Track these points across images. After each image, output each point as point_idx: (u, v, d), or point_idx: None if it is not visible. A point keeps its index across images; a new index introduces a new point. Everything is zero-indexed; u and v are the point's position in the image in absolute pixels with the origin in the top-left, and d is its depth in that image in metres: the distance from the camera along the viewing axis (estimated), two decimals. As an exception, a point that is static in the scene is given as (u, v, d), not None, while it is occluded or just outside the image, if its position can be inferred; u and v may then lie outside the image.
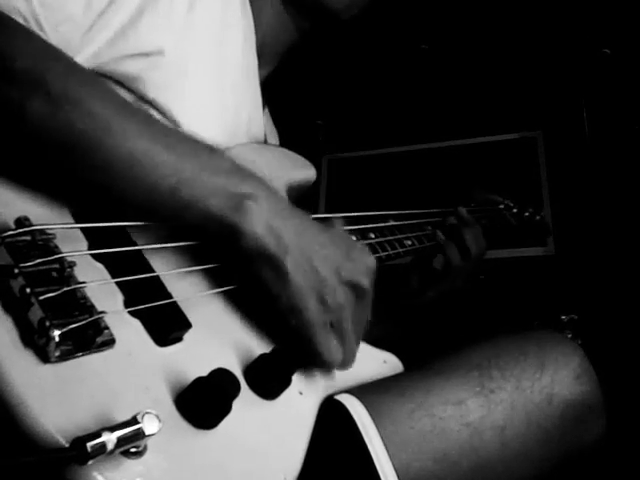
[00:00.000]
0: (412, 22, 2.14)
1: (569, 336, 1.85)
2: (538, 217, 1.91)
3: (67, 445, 0.58)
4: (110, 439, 0.56)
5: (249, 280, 0.85)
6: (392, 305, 1.49)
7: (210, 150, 0.85)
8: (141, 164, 0.78)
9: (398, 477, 0.84)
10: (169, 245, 0.86)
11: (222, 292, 0.89)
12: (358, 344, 0.93)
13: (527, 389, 0.93)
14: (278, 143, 1.41)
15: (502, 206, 1.77)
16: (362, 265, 0.90)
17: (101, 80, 0.83)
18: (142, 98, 0.94)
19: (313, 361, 0.89)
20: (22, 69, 0.75)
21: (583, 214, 1.97)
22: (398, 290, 1.50)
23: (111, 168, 0.77)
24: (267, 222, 0.82)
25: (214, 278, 0.89)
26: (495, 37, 2.10)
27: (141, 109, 0.84)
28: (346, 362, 0.91)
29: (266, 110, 1.33)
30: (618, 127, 1.94)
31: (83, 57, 0.88)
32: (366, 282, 0.90)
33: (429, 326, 1.55)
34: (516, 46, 2.08)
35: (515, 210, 1.80)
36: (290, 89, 1.93)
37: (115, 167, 0.77)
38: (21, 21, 0.83)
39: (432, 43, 2.14)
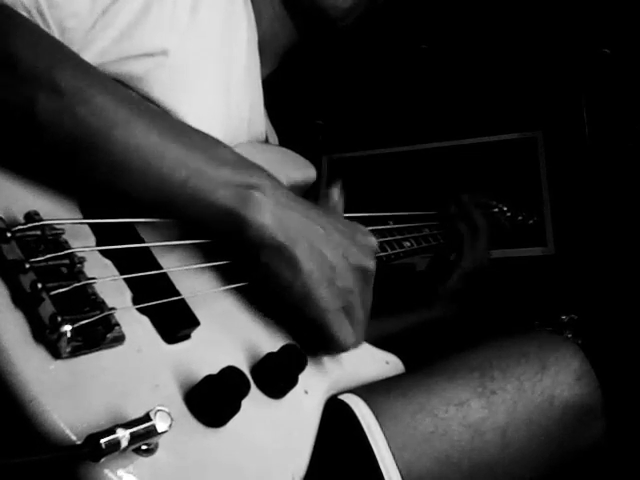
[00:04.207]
0: (412, 22, 2.14)
1: (569, 336, 1.85)
2: (531, 221, 1.93)
3: (79, 442, 0.57)
4: (124, 436, 0.55)
5: (259, 273, 0.85)
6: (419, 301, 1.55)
7: (214, 142, 0.86)
8: (151, 158, 0.78)
9: (402, 478, 0.84)
10: (177, 242, 0.86)
11: (230, 290, 0.89)
12: (366, 324, 0.94)
13: (528, 390, 0.94)
14: (277, 143, 1.41)
15: (496, 209, 1.78)
16: (366, 248, 0.93)
17: (106, 75, 0.83)
18: (147, 98, 0.94)
19: (328, 347, 0.91)
20: (29, 64, 0.75)
21: (583, 214, 1.97)
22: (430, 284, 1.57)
23: (122, 162, 0.77)
24: (273, 212, 0.82)
25: (222, 276, 0.89)
26: (495, 37, 2.09)
27: (147, 103, 0.84)
28: (357, 343, 0.93)
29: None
30: (618, 127, 1.94)
31: (89, 55, 0.88)
32: (371, 264, 0.92)
33: (430, 327, 1.55)
34: (516, 46, 2.07)
35: (509, 214, 1.81)
36: (290, 89, 1.93)
37: (125, 161, 0.77)
38: (25, 15, 0.83)
39: (432, 43, 2.14)
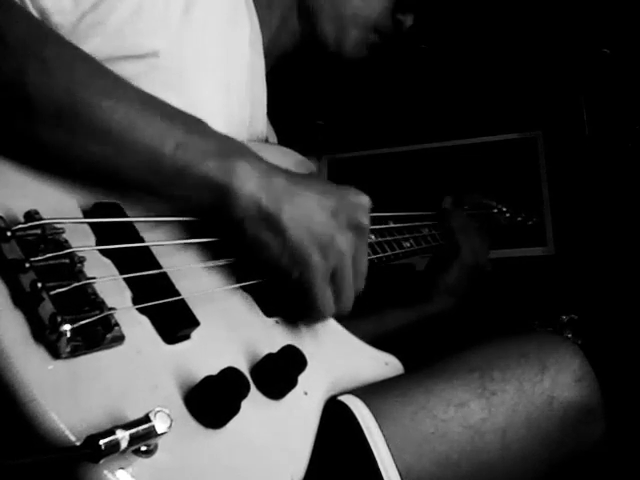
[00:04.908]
0: (412, 22, 2.13)
1: (569, 336, 1.86)
2: (531, 222, 1.93)
3: (79, 443, 0.57)
4: (124, 437, 0.55)
5: (247, 245, 0.85)
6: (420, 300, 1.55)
7: (195, 118, 0.86)
8: (139, 130, 0.78)
9: (401, 479, 0.84)
10: (177, 242, 0.86)
11: (230, 290, 0.89)
12: (362, 285, 0.95)
13: (528, 391, 0.94)
14: (276, 142, 1.41)
15: (495, 210, 1.78)
16: (357, 204, 0.92)
17: (88, 54, 0.83)
18: None
19: (310, 313, 0.92)
20: (17, 37, 0.75)
21: (583, 214, 1.97)
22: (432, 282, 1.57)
23: (110, 135, 0.77)
24: (258, 181, 0.83)
25: (222, 276, 0.89)
26: (495, 37, 2.09)
27: (131, 83, 0.84)
28: (344, 309, 0.93)
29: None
30: (618, 127, 1.94)
31: None
32: (364, 220, 0.92)
33: (429, 323, 1.55)
34: (516, 46, 2.07)
35: (508, 215, 1.81)
36: (290, 89, 1.93)
37: (114, 133, 0.77)
38: None
39: (432, 43, 2.14)
